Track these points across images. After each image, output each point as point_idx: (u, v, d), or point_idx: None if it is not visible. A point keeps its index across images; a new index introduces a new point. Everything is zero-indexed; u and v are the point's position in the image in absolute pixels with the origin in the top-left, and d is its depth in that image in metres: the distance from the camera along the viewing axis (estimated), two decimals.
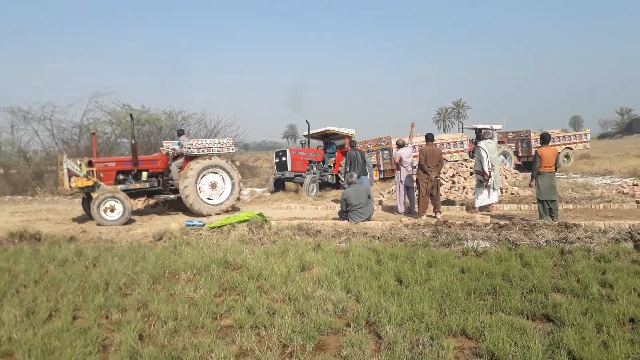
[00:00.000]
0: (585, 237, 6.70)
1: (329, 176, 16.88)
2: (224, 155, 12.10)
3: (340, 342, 3.79)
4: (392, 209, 11.27)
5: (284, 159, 15.91)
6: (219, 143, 11.76)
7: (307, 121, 17.24)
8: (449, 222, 8.45)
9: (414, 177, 10.49)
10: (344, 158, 15.58)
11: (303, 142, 17.93)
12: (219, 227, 8.69)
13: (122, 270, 5.74)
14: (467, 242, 6.81)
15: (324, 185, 16.89)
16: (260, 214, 9.05)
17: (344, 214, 9.53)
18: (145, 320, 4.27)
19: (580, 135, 23.64)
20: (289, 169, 15.71)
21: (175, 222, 9.96)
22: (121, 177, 11.31)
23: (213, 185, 11.55)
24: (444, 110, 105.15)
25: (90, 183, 10.59)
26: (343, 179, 15.19)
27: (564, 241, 6.62)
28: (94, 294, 4.97)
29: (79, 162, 10.66)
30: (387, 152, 18.41)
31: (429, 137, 10.41)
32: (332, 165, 17.12)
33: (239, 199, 12.14)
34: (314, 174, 15.95)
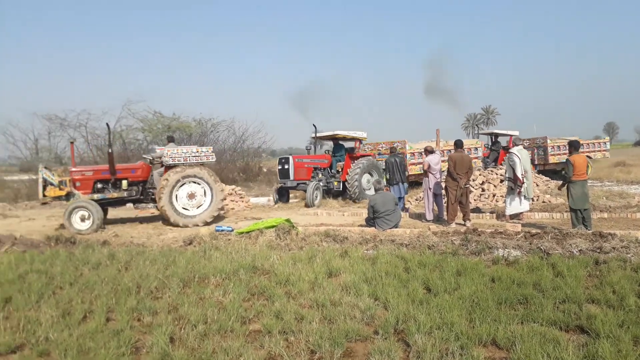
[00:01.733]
0: (621, 247, 6.49)
1: (335, 183, 15.74)
2: (207, 165, 11.62)
3: (368, 349, 3.78)
4: (420, 217, 11.17)
5: (286, 166, 14.98)
6: (197, 152, 11.26)
7: (314, 124, 16.18)
8: (479, 230, 8.32)
9: (443, 184, 10.38)
10: (353, 163, 15.22)
11: (308, 148, 16.83)
12: (247, 232, 8.77)
13: (153, 274, 5.86)
14: (498, 250, 6.70)
15: (330, 193, 15.90)
16: (288, 220, 9.10)
17: (370, 221, 9.49)
18: (175, 324, 4.35)
19: (600, 143, 22.62)
20: (291, 177, 14.84)
21: (204, 227, 10.10)
22: (100, 186, 11.21)
23: (191, 196, 11.02)
24: (472, 116, 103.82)
25: (62, 192, 10.68)
26: (352, 185, 14.62)
27: (599, 251, 6.44)
28: (126, 296, 5.09)
29: (52, 172, 10.88)
30: (400, 156, 17.94)
31: (458, 144, 10.30)
32: (340, 170, 16.03)
33: (221, 210, 11.68)
34: (319, 181, 15.11)
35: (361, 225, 9.74)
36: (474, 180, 14.17)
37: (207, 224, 10.90)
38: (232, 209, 13.98)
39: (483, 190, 14.06)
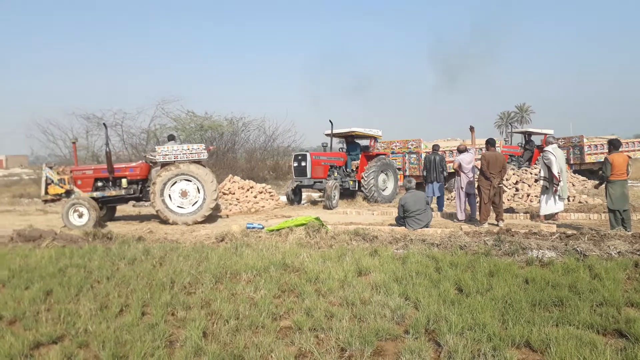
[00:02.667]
0: None
1: (350, 182, 15.21)
2: (204, 162, 11.59)
3: (398, 348, 3.76)
4: (451, 216, 11.04)
5: (303, 163, 14.27)
6: (188, 149, 11.23)
7: (330, 121, 15.35)
8: (512, 230, 8.16)
9: (475, 184, 10.23)
10: (368, 162, 14.77)
11: (325, 145, 15.91)
12: (278, 230, 8.85)
13: (187, 270, 5.99)
14: (532, 251, 6.56)
15: (345, 194, 15.45)
16: (317, 218, 9.14)
17: (401, 220, 9.43)
18: (208, 319, 4.44)
19: None
20: (309, 175, 14.17)
21: (236, 224, 10.25)
22: (99, 184, 11.54)
23: (184, 194, 11.05)
24: (506, 114, 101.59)
25: (62, 190, 11.10)
26: (368, 184, 14.29)
27: (639, 253, 6.22)
28: (160, 291, 5.22)
29: (56, 170, 11.31)
30: (414, 156, 17.07)
31: (491, 142, 10.12)
32: (355, 169, 15.48)
33: (216, 209, 11.58)
34: (335, 179, 14.55)
35: (391, 225, 9.69)
36: (507, 179, 13.89)
37: (199, 222, 10.90)
38: (263, 207, 14.11)
39: (517, 190, 13.77)
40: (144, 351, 3.74)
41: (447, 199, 14.07)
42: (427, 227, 9.13)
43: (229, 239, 8.27)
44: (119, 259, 6.72)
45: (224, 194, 14.75)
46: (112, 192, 11.38)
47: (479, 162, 10.42)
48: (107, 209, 12.19)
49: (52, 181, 11.22)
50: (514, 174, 14.60)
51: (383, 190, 14.92)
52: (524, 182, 14.07)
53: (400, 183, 15.77)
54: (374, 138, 15.67)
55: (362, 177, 14.67)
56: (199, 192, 11.07)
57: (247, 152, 23.89)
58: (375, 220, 10.86)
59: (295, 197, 14.89)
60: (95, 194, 11.23)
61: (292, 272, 5.97)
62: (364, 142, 16.41)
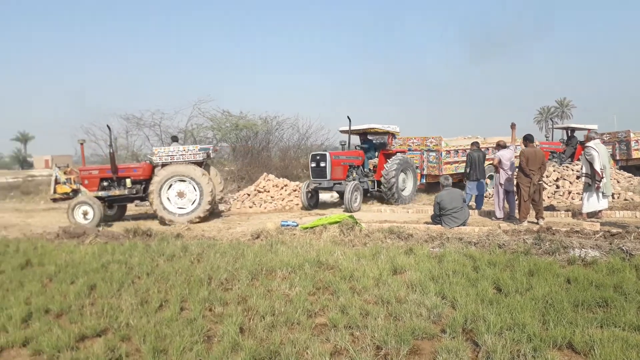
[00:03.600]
0: None
1: (369, 182, 14.15)
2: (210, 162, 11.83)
3: (435, 347, 3.72)
4: (489, 214, 10.80)
5: (322, 164, 13.16)
6: (184, 150, 11.39)
7: (348, 117, 14.31)
8: (553, 228, 7.92)
9: (514, 181, 9.97)
10: (388, 161, 13.84)
11: (343, 143, 14.78)
12: (312, 227, 8.89)
13: (224, 266, 6.09)
14: (574, 250, 6.35)
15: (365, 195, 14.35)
16: (351, 216, 9.12)
17: (437, 218, 9.30)
18: (245, 314, 4.50)
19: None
20: (328, 176, 13.08)
21: (270, 221, 10.35)
22: (105, 184, 11.80)
23: (180, 195, 11.15)
24: (546, 109, 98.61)
25: (68, 190, 11.46)
26: (389, 184, 13.36)
27: None
28: (198, 287, 5.33)
29: (63, 170, 11.75)
30: (433, 154, 15.74)
31: (529, 138, 9.84)
32: (372, 168, 14.45)
33: (213, 209, 11.54)
34: (354, 179, 13.51)
35: (426, 223, 9.57)
36: (547, 176, 13.48)
37: (196, 222, 10.91)
38: (297, 205, 14.18)
39: (557, 187, 13.35)
40: (182, 345, 3.83)
41: (485, 197, 13.78)
42: (464, 225, 8.97)
43: (264, 236, 8.36)
44: (158, 255, 6.89)
45: (259, 191, 14.90)
46: (116, 191, 11.66)
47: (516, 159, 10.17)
48: (117, 208, 12.52)
49: (60, 181, 11.65)
50: (554, 171, 14.16)
51: (403, 189, 14.15)
52: (565, 179, 13.63)
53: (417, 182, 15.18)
54: (392, 135, 14.66)
55: (383, 177, 13.71)
56: (196, 193, 11.14)
57: (281, 150, 24.01)
58: (410, 218, 10.75)
59: (310, 200, 13.68)
60: (101, 193, 11.56)
61: (327, 269, 5.98)
62: (379, 140, 15.32)
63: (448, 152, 15.54)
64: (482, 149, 12.41)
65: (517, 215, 9.76)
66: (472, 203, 11.93)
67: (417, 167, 15.48)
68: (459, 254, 6.43)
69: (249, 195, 14.89)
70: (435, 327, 4.12)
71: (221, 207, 13.01)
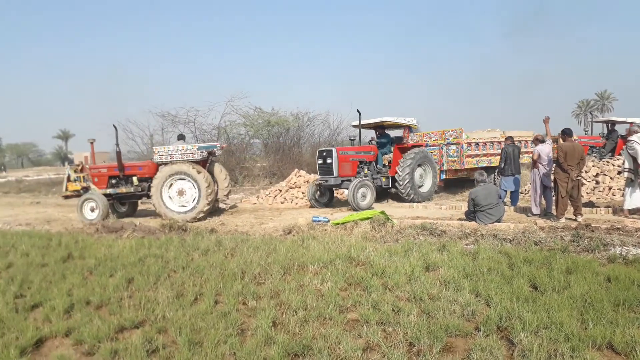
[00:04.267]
0: None
1: (383, 179, 13.19)
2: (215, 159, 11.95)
3: (469, 345, 3.67)
4: (525, 210, 10.56)
5: (329, 160, 12.50)
6: (183, 150, 11.49)
7: (358, 110, 13.73)
8: (592, 225, 7.68)
9: (552, 176, 9.71)
10: (403, 155, 13.02)
11: (352, 138, 14.14)
12: (343, 223, 8.89)
13: (256, 261, 6.17)
14: (614, 248, 6.15)
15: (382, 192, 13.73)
16: (383, 212, 9.08)
17: (471, 215, 9.16)
18: (277, 309, 4.55)
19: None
20: (335, 173, 12.37)
21: (302, 217, 10.40)
22: (113, 181, 12.14)
23: (181, 193, 11.28)
24: (585, 102, 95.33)
25: (78, 187, 11.98)
26: (403, 181, 12.66)
27: None
28: (232, 281, 5.42)
29: (73, 169, 12.26)
30: (454, 147, 14.98)
31: (567, 133, 9.54)
32: (387, 164, 13.60)
33: (213, 206, 11.61)
34: (365, 176, 12.78)
35: (460, 219, 9.43)
36: (586, 172, 13.06)
37: (195, 220, 10.97)
38: None
39: (597, 182, 12.92)
40: (217, 338, 3.91)
41: (521, 192, 13.46)
42: (499, 221, 8.80)
43: (296, 231, 8.42)
44: (193, 250, 7.04)
45: (290, 187, 15.03)
46: (123, 189, 11.95)
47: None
48: (129, 204, 12.83)
49: (72, 179, 12.16)
50: (594, 166, 13.70)
51: (420, 186, 13.35)
52: (605, 175, 13.17)
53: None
54: (408, 128, 13.71)
55: (397, 172, 12.89)
56: (195, 191, 11.23)
57: (312, 146, 24.08)
58: (443, 215, 10.61)
59: (321, 198, 13.31)
60: (109, 191, 11.93)
61: (358, 265, 5.98)
62: (396, 134, 14.44)
63: (469, 144, 14.91)
64: (517, 145, 12.02)
65: (554, 212, 9.50)
66: (508, 199, 11.68)
67: (436, 163, 14.74)
68: (493, 251, 6.32)
69: (280, 191, 15.03)
70: (469, 324, 4.07)
71: (222, 205, 12.86)
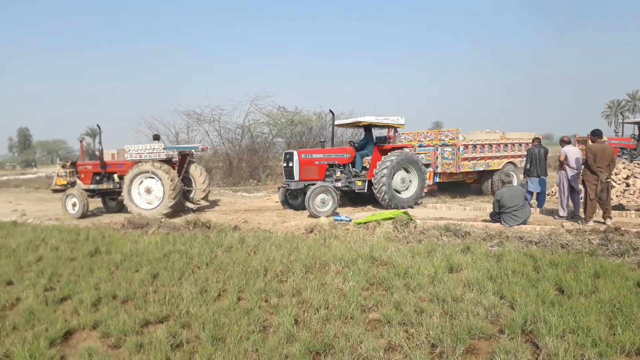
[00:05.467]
0: None
1: (359, 182, 12.14)
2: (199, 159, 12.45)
3: (492, 348, 3.63)
4: (551, 213, 10.35)
5: (290, 164, 11.83)
6: (150, 149, 11.82)
7: (330, 110, 13.32)
8: (622, 229, 7.48)
9: (580, 178, 9.50)
10: (383, 158, 12.02)
11: (323, 140, 13.32)
12: (365, 223, 8.88)
13: (279, 259, 6.20)
14: None
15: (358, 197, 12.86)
16: (406, 212, 9.03)
17: (496, 216, 9.03)
18: (299, 307, 4.57)
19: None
20: (296, 177, 11.68)
21: (324, 216, 10.41)
22: (97, 178, 12.68)
23: (148, 191, 11.62)
24: (616, 103, 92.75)
25: (64, 182, 12.68)
26: (378, 185, 11.60)
27: None
28: (255, 278, 5.46)
29: (61, 164, 12.98)
30: (449, 149, 13.96)
31: (597, 134, 9.31)
32: (368, 166, 12.69)
33: (182, 205, 11.83)
34: (337, 180, 11.90)
35: (485, 221, 9.31)
36: (616, 174, 12.73)
37: (161, 217, 11.01)
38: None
39: (627, 185, 12.57)
40: (240, 334, 3.95)
41: (548, 194, 13.20)
42: (524, 223, 8.65)
43: (318, 230, 8.43)
44: (216, 247, 7.12)
45: None
46: (104, 185, 12.49)
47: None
48: (117, 201, 13.07)
49: (60, 174, 12.85)
50: (624, 168, 13.33)
51: (403, 191, 12.28)
52: (636, 177, 12.80)
53: (428, 181, 13.13)
54: (393, 128, 12.78)
55: (374, 175, 11.92)
56: (161, 190, 11.50)
57: (335, 145, 24.11)
58: (467, 216, 10.49)
59: (293, 200, 12.71)
60: (92, 186, 12.51)
61: (380, 265, 5.96)
62: (382, 134, 13.46)
63: (466, 146, 13.92)
64: (544, 146, 11.70)
65: (582, 215, 9.30)
66: (534, 201, 11.47)
67: (428, 165, 13.80)
68: (518, 253, 6.22)
69: None
70: (492, 327, 4.02)
71: (190, 205, 12.79)
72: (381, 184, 11.69)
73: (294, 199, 12.76)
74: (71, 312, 4.79)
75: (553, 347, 3.44)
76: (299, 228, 9.11)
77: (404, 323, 4.12)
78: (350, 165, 12.44)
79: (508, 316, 4.15)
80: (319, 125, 24.15)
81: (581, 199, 9.60)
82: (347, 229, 8.45)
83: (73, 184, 12.67)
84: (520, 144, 15.36)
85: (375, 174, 11.87)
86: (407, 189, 12.40)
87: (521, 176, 14.12)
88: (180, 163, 12.51)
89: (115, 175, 12.52)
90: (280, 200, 12.98)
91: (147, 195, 11.63)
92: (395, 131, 13.24)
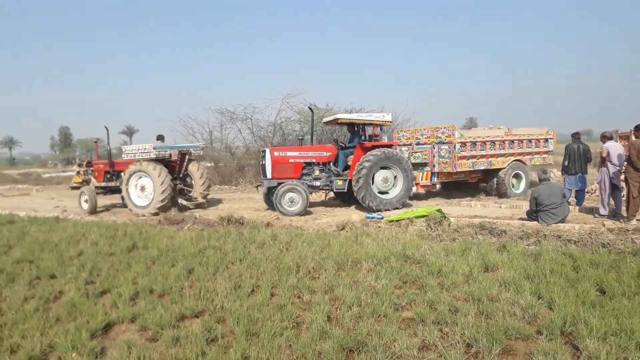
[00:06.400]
0: None
1: (339, 182, 11.73)
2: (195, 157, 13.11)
3: (530, 349, 3.54)
4: (591, 211, 10.02)
5: (263, 162, 11.78)
6: (142, 149, 12.24)
7: (310, 108, 13.19)
8: None
9: (622, 175, 9.14)
10: (365, 155, 11.46)
11: (301, 137, 13.23)
12: (397, 220, 8.80)
13: (311, 255, 6.22)
14: None
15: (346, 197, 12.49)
16: (439, 210, 8.90)
17: (533, 214, 8.79)
18: (332, 304, 4.58)
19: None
20: (269, 175, 11.56)
21: (355, 214, 10.39)
22: (108, 176, 13.45)
23: (142, 189, 12.06)
24: None
25: (80, 180, 13.90)
26: (357, 184, 11.09)
27: None
28: (287, 275, 5.50)
29: (77, 163, 14.20)
30: (446, 147, 13.02)
31: None
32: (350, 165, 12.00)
33: (165, 204, 11.82)
34: (316, 178, 11.73)
35: (521, 219, 9.09)
36: None
37: (153, 214, 11.45)
38: None
39: None
40: (273, 330, 3.99)
41: (587, 192, 12.76)
42: (562, 222, 8.40)
43: (349, 227, 8.41)
44: (250, 243, 7.20)
45: None
46: (112, 183, 13.26)
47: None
48: None
49: (77, 172, 14.12)
50: None
51: (386, 192, 11.66)
52: None
53: (425, 181, 12.84)
54: (378, 125, 12.26)
55: (353, 176, 11.44)
56: (152, 188, 11.90)
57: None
58: (503, 214, 10.26)
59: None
60: (103, 184, 13.34)
61: (413, 263, 5.89)
62: (369, 132, 12.64)
63: (463, 144, 12.86)
64: (584, 143, 11.27)
65: (624, 213, 8.96)
66: (572, 199, 11.12)
67: (425, 164, 13.35)
68: (557, 252, 6.05)
69: None
70: (530, 327, 3.92)
71: (184, 201, 13.25)
72: (359, 184, 11.22)
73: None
74: (110, 306, 4.94)
75: (594, 350, 3.33)
76: (331, 225, 9.11)
77: (438, 322, 4.07)
78: (332, 164, 12.09)
79: (546, 317, 4.05)
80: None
81: (623, 196, 9.25)
82: (379, 227, 8.41)
83: (88, 182, 13.62)
84: (530, 141, 14.10)
85: (354, 173, 11.45)
86: (392, 189, 11.79)
87: (531, 174, 13.51)
88: (180, 162, 12.96)
89: (123, 174, 13.06)
90: (263, 199, 12.73)
91: (142, 192, 12.14)
92: (381, 129, 12.65)
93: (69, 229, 9.12)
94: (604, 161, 9.45)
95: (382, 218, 9.60)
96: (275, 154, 11.71)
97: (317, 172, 11.88)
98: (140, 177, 12.10)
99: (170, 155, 12.69)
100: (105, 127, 13.49)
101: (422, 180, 13.29)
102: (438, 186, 13.94)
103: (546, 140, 14.51)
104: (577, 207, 10.55)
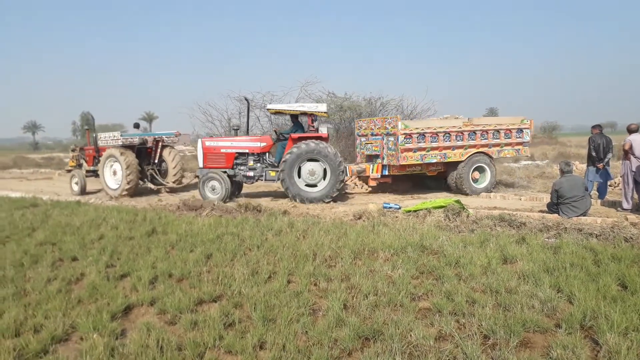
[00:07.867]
0: None
1: (272, 173, 11.61)
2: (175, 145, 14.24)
3: (548, 342, 3.51)
4: (613, 205, 9.83)
5: (195, 152, 12.52)
6: (113, 136, 13.31)
7: (245, 98, 13.08)
8: None
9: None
10: (294, 144, 11.30)
11: (236, 128, 13.21)
12: (415, 211, 8.74)
13: (327, 244, 6.23)
14: None
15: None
16: (458, 201, 8.81)
17: (553, 207, 8.66)
18: (348, 292, 4.59)
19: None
20: (200, 164, 11.81)
21: (372, 203, 10.35)
22: (97, 161, 14.02)
23: (114, 173, 12.99)
24: None
25: (73, 164, 14.84)
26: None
27: None
28: (304, 262, 5.52)
29: (71, 149, 15.25)
30: (392, 139, 12.13)
31: None
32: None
33: (131, 187, 12.63)
34: (250, 169, 11.75)
35: (541, 211, 8.96)
36: None
37: (123, 196, 12.55)
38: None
39: None
40: (290, 316, 4.02)
41: (610, 185, 12.50)
42: (584, 215, 8.26)
43: (366, 217, 8.39)
44: (267, 230, 7.24)
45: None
46: (98, 167, 13.73)
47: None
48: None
49: (71, 157, 15.15)
50: None
51: (313, 185, 11.30)
52: None
53: (375, 173, 12.50)
54: (311, 116, 11.86)
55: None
56: (121, 172, 12.71)
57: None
58: (522, 206, 10.13)
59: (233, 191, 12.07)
60: (91, 168, 14.23)
61: (430, 254, 5.86)
62: (305, 122, 12.52)
63: (409, 135, 11.85)
64: (606, 135, 10.94)
65: None
66: (594, 192, 10.92)
67: (377, 155, 12.77)
68: (577, 245, 5.95)
69: (350, 176, 14.98)
70: (549, 320, 3.88)
71: (150, 185, 13.83)
72: (283, 176, 11.12)
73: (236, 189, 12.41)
74: (130, 289, 5.03)
75: (614, 345, 3.29)
76: (347, 214, 9.09)
77: (455, 313, 4.06)
78: (267, 154, 12.05)
79: (566, 310, 4.00)
80: (368, 111, 23.92)
81: None
82: (397, 217, 8.37)
83: (80, 166, 14.66)
84: (497, 131, 12.57)
85: (279, 164, 11.35)
86: (320, 182, 11.41)
87: (495, 167, 12.80)
88: (155, 148, 13.77)
89: None
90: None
91: (114, 176, 13.03)
92: (315, 119, 12.08)
93: (90, 212, 9.29)
94: (627, 154, 9.24)
95: (399, 208, 9.55)
96: (207, 143, 11.91)
97: (251, 163, 11.87)
98: (113, 163, 12.94)
99: (146, 141, 13.55)
100: (90, 114, 15.01)
101: (372, 172, 12.70)
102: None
103: (520, 130, 12.86)
104: (599, 201, 10.36)
